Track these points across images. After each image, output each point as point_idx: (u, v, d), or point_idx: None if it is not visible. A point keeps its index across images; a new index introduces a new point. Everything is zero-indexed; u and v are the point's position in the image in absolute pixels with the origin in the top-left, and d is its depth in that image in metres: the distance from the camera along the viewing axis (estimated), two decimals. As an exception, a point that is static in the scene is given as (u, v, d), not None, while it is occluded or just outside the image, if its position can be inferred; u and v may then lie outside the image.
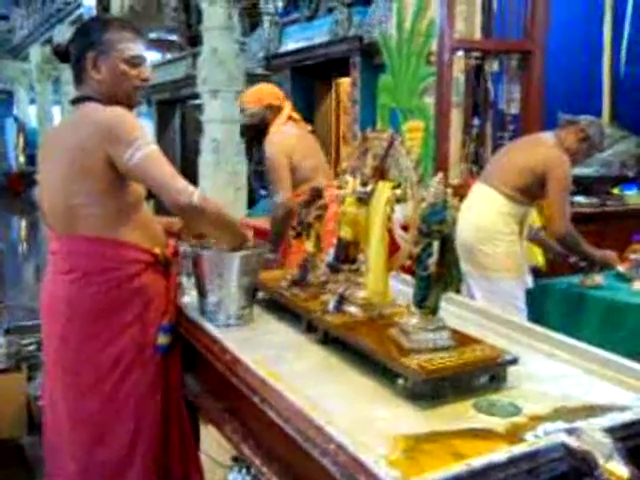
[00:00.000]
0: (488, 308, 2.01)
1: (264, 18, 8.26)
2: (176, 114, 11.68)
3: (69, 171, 1.75)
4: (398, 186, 1.61)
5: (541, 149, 3.16)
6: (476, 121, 4.74)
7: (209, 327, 1.74)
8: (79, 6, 12.90)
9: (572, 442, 1.05)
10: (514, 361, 1.41)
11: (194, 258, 1.90)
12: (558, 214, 3.06)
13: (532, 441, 1.10)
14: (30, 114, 20.01)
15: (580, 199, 4.64)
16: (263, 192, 9.03)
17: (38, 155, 2.02)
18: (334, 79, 7.83)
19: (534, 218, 3.33)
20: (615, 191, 5.10)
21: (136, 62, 1.87)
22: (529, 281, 3.30)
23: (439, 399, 1.31)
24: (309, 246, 2.01)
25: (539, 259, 3.46)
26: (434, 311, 1.47)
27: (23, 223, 13.79)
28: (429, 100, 4.65)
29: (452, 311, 1.87)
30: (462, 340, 1.47)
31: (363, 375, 1.47)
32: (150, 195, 1.92)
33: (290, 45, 7.36)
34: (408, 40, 4.83)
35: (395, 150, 1.63)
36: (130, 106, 1.89)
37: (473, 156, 4.70)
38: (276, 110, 3.49)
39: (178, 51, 10.77)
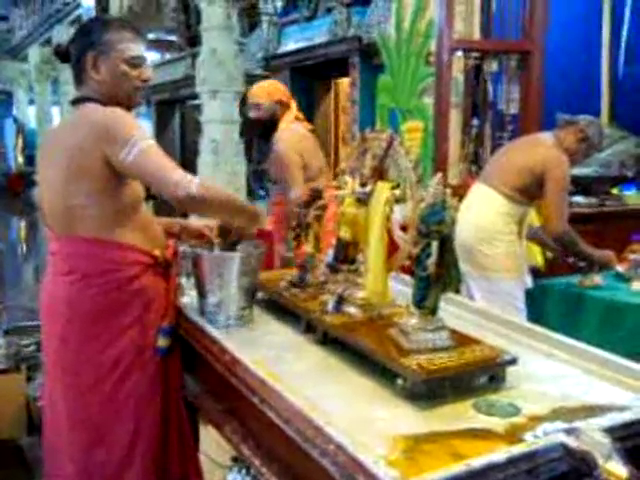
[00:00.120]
0: (487, 308, 2.02)
1: (263, 18, 8.25)
2: (175, 114, 11.68)
3: (67, 172, 1.74)
4: (397, 186, 1.61)
5: (540, 149, 3.17)
6: (475, 121, 4.74)
7: (209, 328, 1.74)
8: (78, 7, 12.89)
9: (571, 442, 1.05)
10: (513, 361, 1.41)
11: (194, 259, 1.90)
12: (555, 214, 3.06)
13: (531, 441, 1.10)
14: (29, 115, 19.99)
15: (579, 199, 4.64)
16: (262, 192, 9.04)
17: (37, 156, 2.02)
18: (333, 79, 7.83)
19: (533, 218, 3.33)
20: (614, 191, 5.10)
21: (136, 62, 1.87)
22: (528, 281, 3.30)
23: (438, 399, 1.32)
24: (308, 246, 2.01)
25: (538, 259, 3.46)
26: (433, 311, 1.47)
27: (22, 223, 13.78)
28: (428, 100, 4.66)
29: (451, 311, 1.87)
30: (461, 340, 1.47)
31: (362, 375, 1.47)
32: (149, 196, 1.92)
33: (289, 45, 7.36)
34: (407, 40, 4.84)
35: (394, 150, 1.63)
36: (130, 107, 1.89)
37: (472, 156, 4.70)
38: (285, 107, 3.50)
39: (177, 51, 10.77)
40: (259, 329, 1.85)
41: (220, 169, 7.60)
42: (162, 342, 1.85)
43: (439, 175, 1.44)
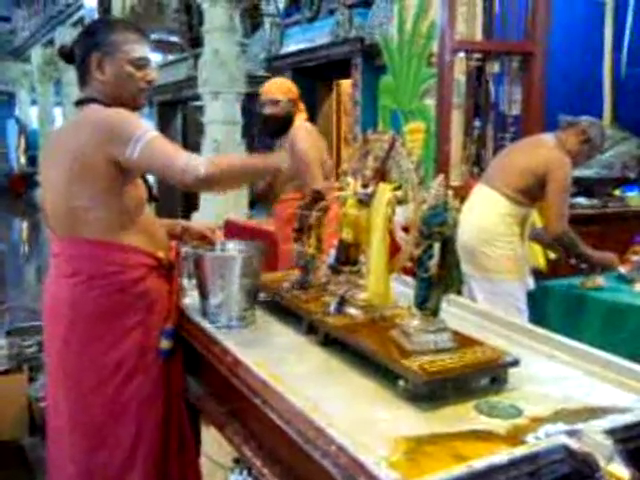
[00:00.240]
0: (489, 310, 2.01)
1: (265, 20, 8.26)
2: (177, 115, 11.68)
3: (70, 173, 1.74)
4: (399, 188, 1.61)
5: (542, 150, 3.16)
6: (477, 123, 4.74)
7: (210, 329, 1.75)
8: (80, 8, 12.90)
9: (573, 444, 1.05)
10: (515, 363, 1.41)
11: (196, 260, 1.90)
12: (556, 215, 3.06)
13: (533, 443, 1.10)
14: (31, 115, 20.03)
15: (581, 200, 4.64)
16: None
17: (40, 157, 2.01)
18: (335, 80, 7.82)
19: (536, 219, 3.33)
20: (616, 192, 5.10)
21: (141, 64, 1.86)
22: (530, 283, 3.30)
23: (440, 401, 1.31)
24: (310, 248, 2.00)
25: (540, 261, 3.46)
26: (435, 313, 1.47)
27: (24, 224, 13.80)
28: (430, 102, 4.66)
29: (453, 313, 1.87)
30: (463, 342, 1.47)
31: (364, 377, 1.47)
32: (151, 198, 1.92)
33: (291, 47, 7.36)
34: (409, 42, 4.84)
35: (396, 152, 1.63)
36: (135, 108, 1.89)
37: (474, 158, 4.70)
38: (297, 105, 3.49)
39: (179, 52, 10.77)
40: (261, 330, 1.85)
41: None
42: (165, 344, 1.85)
43: (441, 176, 1.44)
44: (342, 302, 1.73)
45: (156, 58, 11.70)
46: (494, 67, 4.62)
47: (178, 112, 11.63)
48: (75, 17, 13.60)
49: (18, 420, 3.29)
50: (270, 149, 3.97)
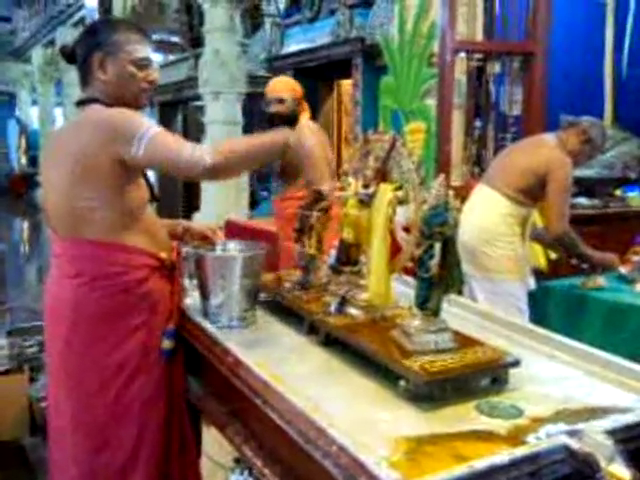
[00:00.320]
0: (490, 310, 2.01)
1: (266, 20, 8.25)
2: (178, 115, 11.68)
3: (73, 174, 1.73)
4: (400, 188, 1.61)
5: (543, 151, 3.16)
6: (478, 123, 4.74)
7: (211, 329, 1.74)
8: (81, 8, 12.90)
9: (574, 444, 1.05)
10: (516, 363, 1.41)
11: (197, 260, 1.90)
12: (556, 215, 3.06)
13: (534, 443, 1.10)
14: (32, 116, 20.03)
15: (582, 201, 4.63)
16: (265, 194, 9.04)
17: (41, 157, 2.01)
18: (336, 81, 7.82)
19: (537, 218, 3.33)
20: (617, 193, 5.10)
21: (144, 64, 1.86)
22: (531, 283, 3.29)
23: (441, 401, 1.31)
24: (310, 248, 2.00)
25: (541, 261, 3.46)
26: (436, 313, 1.47)
27: (25, 224, 13.81)
28: (431, 102, 4.65)
29: (454, 313, 1.87)
30: (464, 342, 1.47)
31: (365, 377, 1.47)
32: (153, 198, 1.92)
33: (292, 47, 7.35)
34: (410, 42, 4.83)
35: (397, 152, 1.63)
36: (137, 108, 1.88)
37: (475, 158, 4.70)
38: (302, 104, 3.49)
39: (180, 53, 10.77)
40: (262, 331, 1.85)
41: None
42: (167, 344, 1.85)
43: (442, 177, 1.45)
44: (343, 302, 1.73)
45: (157, 58, 11.71)
46: (495, 67, 4.62)
47: (179, 112, 11.63)
48: (76, 17, 13.60)
49: (19, 420, 3.29)
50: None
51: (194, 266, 1.92)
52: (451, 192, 1.43)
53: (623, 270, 3.26)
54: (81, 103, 1.87)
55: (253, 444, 1.48)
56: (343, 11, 6.30)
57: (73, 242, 1.80)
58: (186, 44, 10.16)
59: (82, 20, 12.80)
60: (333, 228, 1.98)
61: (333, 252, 1.91)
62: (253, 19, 9.16)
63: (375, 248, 1.65)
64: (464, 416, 1.26)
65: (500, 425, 1.21)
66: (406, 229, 1.64)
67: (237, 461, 2.25)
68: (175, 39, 11.04)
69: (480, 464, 0.99)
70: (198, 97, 8.33)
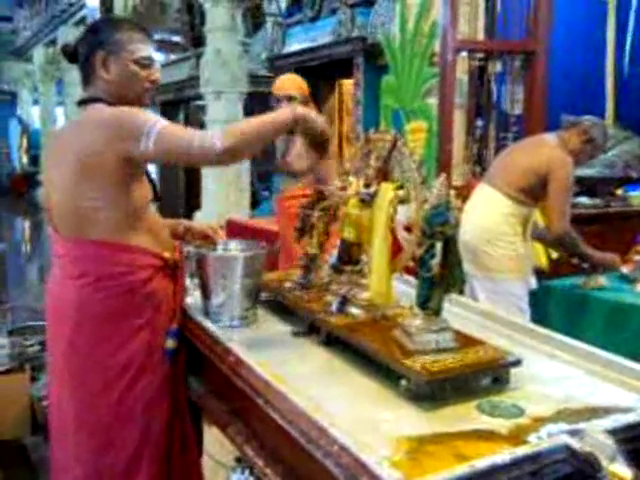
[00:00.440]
0: (491, 309, 2.01)
1: (267, 19, 8.24)
2: (180, 115, 11.68)
3: (78, 173, 1.72)
4: (401, 187, 1.61)
5: (544, 150, 3.16)
6: (479, 122, 4.74)
7: (213, 328, 1.74)
8: (82, 7, 12.91)
9: (575, 444, 1.05)
10: (517, 363, 1.41)
11: (198, 260, 1.90)
12: (557, 215, 3.06)
13: (535, 443, 1.10)
14: (33, 115, 20.06)
15: (584, 200, 4.63)
16: (266, 193, 9.03)
17: (43, 156, 2.01)
18: (337, 80, 7.82)
19: (538, 218, 3.33)
20: (619, 192, 5.09)
21: (146, 63, 1.85)
22: (532, 282, 3.29)
23: (442, 400, 1.31)
24: (312, 248, 2.00)
25: (542, 260, 3.46)
26: (437, 312, 1.47)
27: (26, 224, 13.82)
28: (432, 101, 4.65)
29: (455, 312, 1.87)
30: (465, 341, 1.47)
31: (366, 376, 1.47)
32: (156, 197, 1.92)
33: (293, 46, 7.34)
34: (411, 41, 4.83)
35: (398, 151, 1.63)
36: (140, 107, 1.87)
37: (476, 157, 4.70)
38: (309, 101, 3.49)
39: (181, 52, 10.77)
40: (263, 330, 1.85)
41: (224, 170, 7.61)
42: (170, 344, 1.85)
43: (443, 176, 1.45)
44: (344, 302, 1.73)
45: (158, 58, 11.71)
46: (496, 66, 4.62)
47: (180, 112, 11.63)
48: (77, 17, 13.61)
49: (20, 419, 3.30)
50: (268, 150, 3.96)
51: (195, 265, 1.92)
52: (452, 191, 1.43)
53: (624, 270, 3.26)
54: (83, 102, 1.86)
55: (254, 444, 1.48)
56: (344, 10, 6.29)
57: (76, 242, 1.79)
58: (187, 43, 10.16)
59: (83, 19, 12.81)
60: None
61: (334, 251, 1.91)
62: (254, 18, 9.16)
63: (376, 247, 1.65)
64: (465, 416, 1.26)
65: (501, 424, 1.21)
66: (407, 228, 1.64)
67: (238, 460, 2.25)
68: (176, 39, 11.05)
69: (481, 463, 0.99)
70: (200, 96, 8.33)
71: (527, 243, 3.25)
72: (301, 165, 3.50)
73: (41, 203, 13.07)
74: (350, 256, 1.83)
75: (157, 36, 11.50)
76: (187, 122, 11.50)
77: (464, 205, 3.12)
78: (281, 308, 1.95)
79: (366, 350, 1.50)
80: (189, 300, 2.01)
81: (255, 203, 8.46)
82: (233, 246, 2.07)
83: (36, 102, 19.16)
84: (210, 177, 7.70)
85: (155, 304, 1.83)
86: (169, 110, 11.68)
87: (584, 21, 5.53)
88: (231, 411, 1.64)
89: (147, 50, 1.86)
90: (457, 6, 4.27)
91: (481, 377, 1.40)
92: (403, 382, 1.33)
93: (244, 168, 7.89)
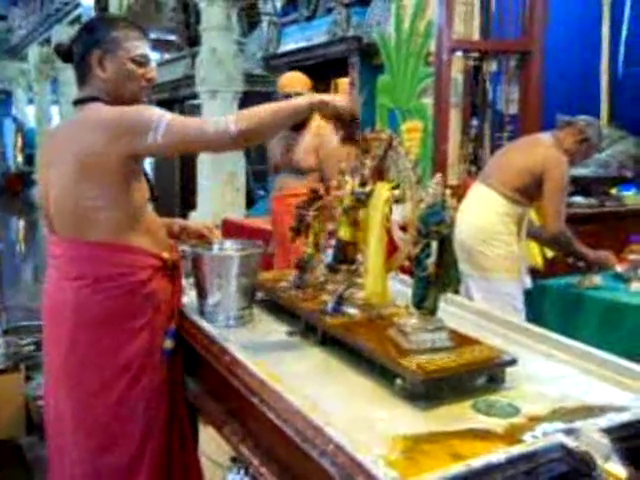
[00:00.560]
0: (486, 309, 2.02)
1: (263, 18, 8.24)
2: (175, 114, 11.68)
3: (77, 173, 1.70)
4: (397, 187, 1.61)
5: (540, 150, 3.17)
6: (475, 122, 4.74)
7: (208, 328, 1.74)
8: (77, 6, 12.89)
9: (570, 443, 1.05)
10: (513, 362, 1.42)
11: (193, 259, 1.90)
12: (552, 214, 3.07)
13: (531, 442, 1.10)
14: (28, 114, 20.01)
15: (578, 199, 4.64)
16: (262, 193, 9.03)
17: (38, 155, 1.99)
18: (333, 79, 7.82)
19: (533, 217, 3.34)
20: (613, 191, 5.10)
21: (143, 61, 1.84)
22: (527, 282, 3.30)
23: (438, 400, 1.32)
24: (307, 247, 2.00)
25: (537, 260, 3.46)
26: (433, 312, 1.47)
27: (21, 223, 13.77)
28: (428, 100, 4.66)
29: (451, 312, 1.87)
30: (461, 341, 1.47)
31: (362, 376, 1.47)
32: (153, 197, 1.91)
33: (289, 45, 7.34)
34: (407, 41, 4.84)
35: (394, 151, 1.63)
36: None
37: (471, 157, 4.70)
38: None
39: (176, 51, 10.76)
40: (259, 329, 1.85)
41: (219, 169, 7.61)
42: (168, 344, 1.84)
43: (438, 175, 1.45)
44: (340, 301, 1.72)
45: (154, 57, 11.69)
46: (491, 66, 4.63)
47: (175, 111, 11.60)
48: (72, 15, 13.59)
49: (15, 419, 3.29)
50: (266, 150, 3.97)
51: (191, 265, 1.92)
52: (448, 191, 1.43)
53: (619, 269, 3.26)
54: (79, 102, 1.84)
55: (250, 443, 1.48)
56: (340, 10, 6.29)
57: (73, 243, 1.77)
58: (183, 43, 10.16)
59: (78, 18, 12.79)
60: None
61: (330, 251, 1.90)
62: (250, 18, 9.16)
63: (372, 247, 1.65)
64: (461, 415, 1.27)
65: (497, 424, 1.22)
66: (403, 228, 1.64)
67: (234, 460, 2.24)
68: (172, 38, 11.04)
69: (477, 462, 0.99)
70: (195, 96, 8.33)
71: (522, 242, 3.25)
72: (309, 162, 3.51)
73: (36, 202, 13.05)
74: (346, 255, 1.83)
75: (152, 35, 11.46)
76: (182, 121, 11.48)
77: (459, 204, 3.12)
78: (277, 308, 1.95)
79: (362, 349, 1.50)
80: (185, 300, 2.01)
81: (251, 202, 8.45)
82: (229, 245, 2.07)
83: (31, 101, 19.12)
84: (206, 176, 7.70)
85: (155, 304, 1.82)
86: (164, 109, 11.68)
87: (579, 21, 5.54)
88: (227, 411, 1.63)
89: (143, 48, 1.85)
90: (452, 6, 4.28)
91: (476, 376, 1.40)
92: (399, 381, 1.34)
93: (240, 167, 7.89)
